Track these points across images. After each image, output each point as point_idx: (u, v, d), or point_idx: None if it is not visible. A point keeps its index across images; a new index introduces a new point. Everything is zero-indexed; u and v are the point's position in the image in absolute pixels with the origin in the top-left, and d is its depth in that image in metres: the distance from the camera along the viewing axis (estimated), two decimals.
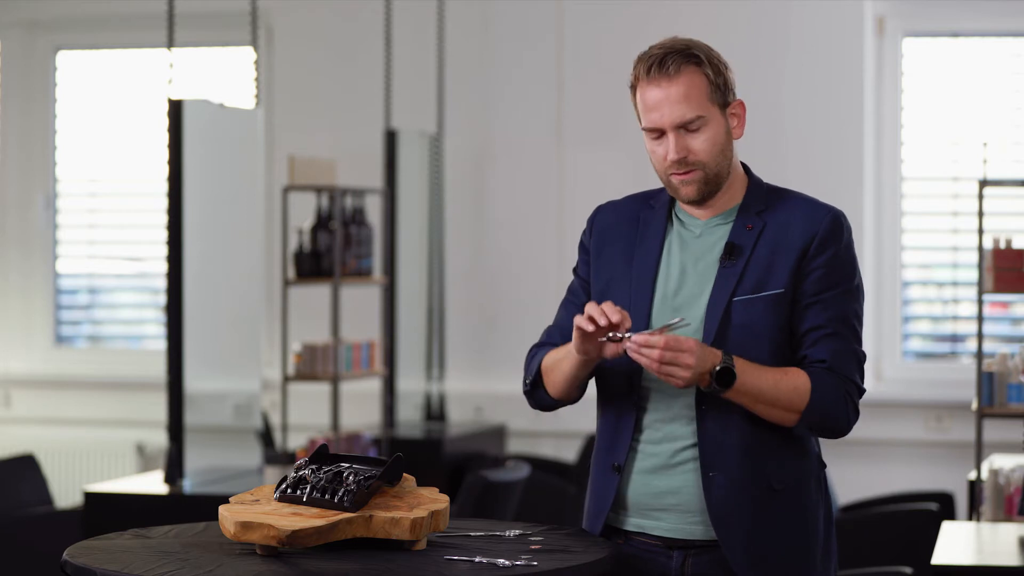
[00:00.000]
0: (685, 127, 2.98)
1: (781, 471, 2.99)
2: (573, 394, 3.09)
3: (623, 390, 3.04)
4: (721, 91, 3.01)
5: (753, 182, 3.08)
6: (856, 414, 3.02)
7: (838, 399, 2.98)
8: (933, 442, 7.35)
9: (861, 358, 3.03)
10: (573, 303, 3.15)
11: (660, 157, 3.02)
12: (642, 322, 3.01)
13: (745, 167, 3.10)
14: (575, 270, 3.19)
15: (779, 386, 2.95)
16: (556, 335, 3.15)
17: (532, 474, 6.50)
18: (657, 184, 3.14)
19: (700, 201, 3.03)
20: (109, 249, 8.52)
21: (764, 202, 3.04)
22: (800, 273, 2.98)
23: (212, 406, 5.99)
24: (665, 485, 3.01)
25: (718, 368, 2.90)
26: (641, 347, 2.88)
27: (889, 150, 7.54)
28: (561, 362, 3.04)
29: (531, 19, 7.82)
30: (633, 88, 3.04)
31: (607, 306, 2.90)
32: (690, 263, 3.03)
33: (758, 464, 2.97)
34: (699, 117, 2.98)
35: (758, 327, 2.97)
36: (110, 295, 8.68)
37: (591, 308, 2.91)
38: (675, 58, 2.98)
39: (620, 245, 3.09)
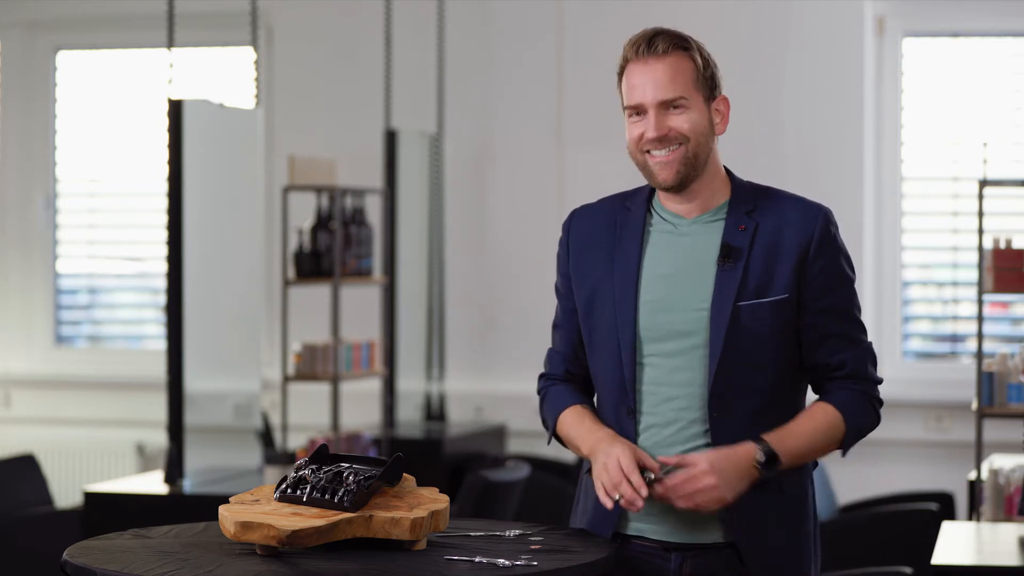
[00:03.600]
0: (668, 105, 2.96)
1: (789, 474, 2.98)
2: None
3: (618, 399, 3.02)
4: (707, 82, 2.99)
5: (736, 182, 3.04)
6: (879, 409, 3.04)
7: (865, 410, 3.00)
8: (933, 442, 7.35)
9: (872, 350, 3.04)
10: (564, 327, 3.13)
11: (636, 137, 2.98)
12: (629, 329, 2.98)
13: (725, 168, 3.07)
14: (557, 290, 3.13)
15: (817, 434, 2.96)
16: (559, 363, 3.14)
17: (532, 474, 6.50)
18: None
19: (678, 187, 2.98)
20: (109, 249, 8.52)
21: (752, 202, 3.01)
22: (803, 278, 2.96)
23: (212, 406, 5.99)
24: None
25: (762, 460, 2.91)
26: (665, 495, 2.90)
27: (889, 150, 7.54)
28: (576, 447, 3.06)
29: (531, 19, 7.82)
30: (620, 73, 3.02)
31: (623, 481, 2.89)
32: (679, 264, 2.99)
33: None
34: (682, 98, 2.96)
35: (765, 332, 2.95)
36: (110, 295, 8.68)
37: (609, 484, 2.90)
38: (664, 39, 2.98)
39: (600, 253, 3.04)
